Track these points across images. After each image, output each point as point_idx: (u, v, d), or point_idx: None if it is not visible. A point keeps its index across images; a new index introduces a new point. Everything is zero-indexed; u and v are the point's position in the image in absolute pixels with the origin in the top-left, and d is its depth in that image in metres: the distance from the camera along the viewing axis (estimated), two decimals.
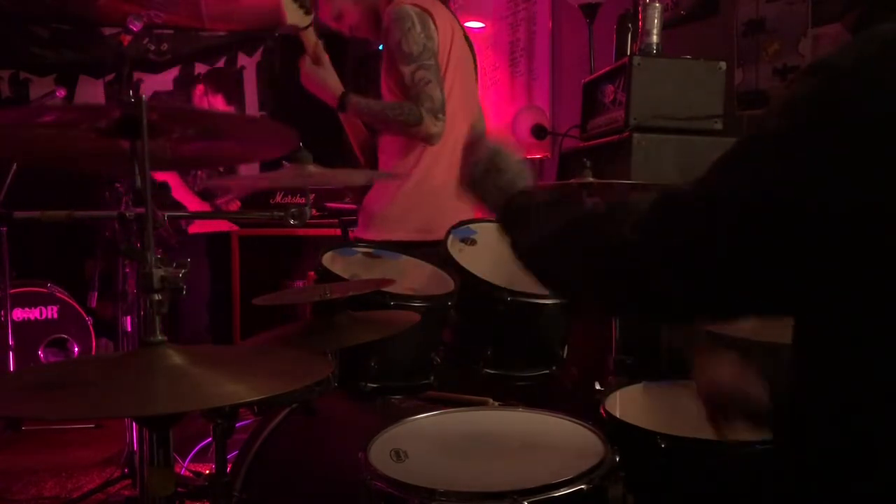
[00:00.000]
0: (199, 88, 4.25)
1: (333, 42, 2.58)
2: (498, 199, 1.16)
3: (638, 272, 0.89)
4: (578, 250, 0.98)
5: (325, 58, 2.44)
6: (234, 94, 4.31)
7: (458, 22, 2.53)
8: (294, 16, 2.41)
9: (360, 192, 2.62)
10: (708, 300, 0.88)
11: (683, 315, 0.96)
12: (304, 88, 2.48)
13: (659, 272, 0.87)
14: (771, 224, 0.78)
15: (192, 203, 3.86)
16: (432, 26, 2.31)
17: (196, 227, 4.04)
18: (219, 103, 4.11)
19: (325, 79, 2.42)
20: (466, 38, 2.54)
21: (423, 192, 2.39)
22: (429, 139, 2.31)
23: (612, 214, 0.95)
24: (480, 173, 1.19)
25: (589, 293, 1.02)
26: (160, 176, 3.78)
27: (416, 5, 2.31)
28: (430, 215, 2.37)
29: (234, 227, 4.22)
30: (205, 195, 3.87)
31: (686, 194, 0.87)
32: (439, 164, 2.39)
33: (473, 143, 1.24)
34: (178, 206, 3.78)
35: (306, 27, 2.44)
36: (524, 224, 1.09)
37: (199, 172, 3.92)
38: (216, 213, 4.30)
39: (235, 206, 3.92)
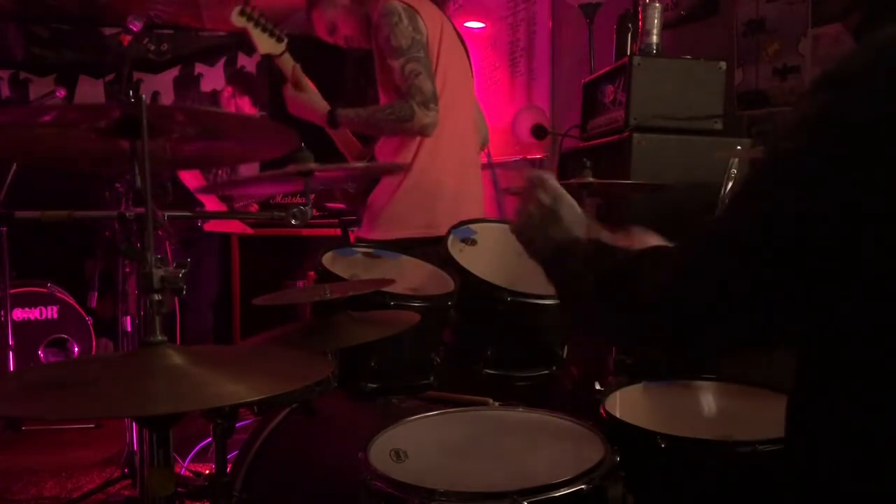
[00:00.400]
0: (227, 91, 4.26)
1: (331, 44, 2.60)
2: (545, 249, 1.11)
3: (680, 313, 0.88)
4: (619, 309, 0.96)
5: (306, 80, 2.49)
6: (260, 96, 4.29)
7: (449, 20, 2.54)
8: (266, 45, 2.46)
9: (357, 195, 2.65)
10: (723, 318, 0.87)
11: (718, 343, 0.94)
12: (294, 116, 2.50)
13: (696, 303, 0.87)
14: (784, 235, 0.79)
15: (211, 202, 3.87)
16: (420, 20, 2.33)
17: (211, 226, 4.05)
18: (245, 106, 4.11)
19: (310, 101, 2.46)
20: (459, 36, 2.55)
21: (423, 187, 2.41)
22: (423, 130, 2.31)
23: (642, 266, 0.93)
24: (537, 221, 1.13)
25: (635, 339, 1.01)
26: (183, 174, 3.83)
27: (402, 1, 2.32)
28: (433, 210, 2.39)
29: (249, 230, 4.22)
30: (223, 196, 3.88)
31: (710, 230, 0.87)
32: (438, 158, 2.41)
33: (532, 187, 1.16)
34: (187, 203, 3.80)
35: (281, 54, 2.49)
36: (567, 279, 1.07)
37: (220, 172, 3.94)
38: (217, 214, 4.30)
39: (254, 208, 3.92)
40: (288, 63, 2.49)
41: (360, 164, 2.51)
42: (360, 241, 2.38)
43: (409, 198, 2.40)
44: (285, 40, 2.48)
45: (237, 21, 2.45)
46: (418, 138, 2.36)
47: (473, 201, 2.52)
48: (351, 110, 2.40)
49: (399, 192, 2.41)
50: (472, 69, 2.61)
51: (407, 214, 2.40)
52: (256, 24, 2.46)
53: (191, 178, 3.84)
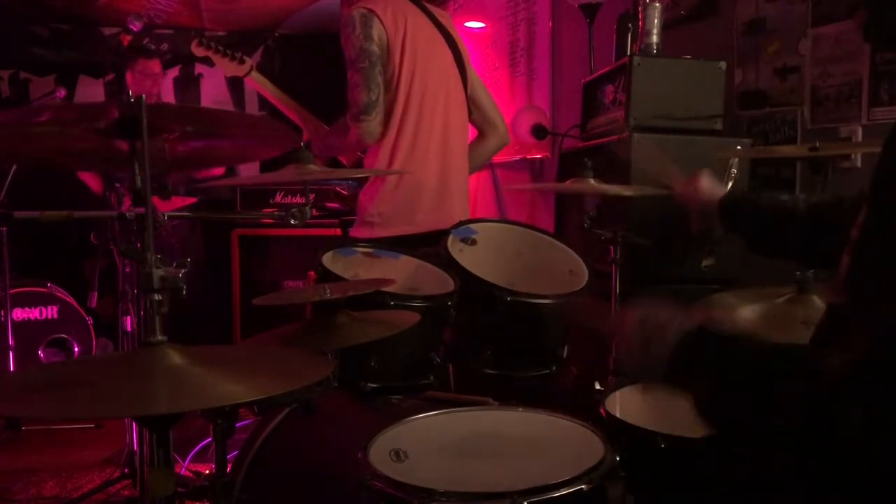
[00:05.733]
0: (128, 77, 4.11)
1: (334, 38, 2.64)
2: (659, 369, 1.04)
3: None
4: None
5: (285, 95, 2.65)
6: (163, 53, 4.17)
7: (431, 16, 2.56)
8: (229, 68, 2.64)
9: (350, 196, 2.72)
10: None
11: None
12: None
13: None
14: None
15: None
16: (376, 25, 2.36)
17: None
18: (155, 67, 4.02)
19: (303, 118, 2.65)
20: (444, 32, 2.56)
21: (404, 187, 2.45)
22: (361, 141, 2.39)
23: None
24: (639, 355, 1.07)
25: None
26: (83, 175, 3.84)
27: (363, 7, 2.37)
28: (415, 209, 2.45)
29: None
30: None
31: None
32: (416, 157, 2.46)
33: (620, 328, 1.10)
34: None
35: (246, 74, 2.65)
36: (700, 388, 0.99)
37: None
38: (216, 213, 4.30)
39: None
40: (259, 80, 2.64)
41: (356, 172, 2.59)
42: (355, 240, 2.41)
43: (392, 198, 2.45)
44: (248, 61, 2.64)
45: (198, 52, 2.66)
46: (392, 139, 2.41)
47: (458, 198, 2.55)
48: (316, 138, 2.57)
49: (382, 192, 2.45)
50: (465, 64, 2.61)
51: (390, 214, 2.44)
52: (216, 52, 2.65)
53: (91, 179, 3.86)
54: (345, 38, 2.36)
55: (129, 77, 3.92)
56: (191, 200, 3.77)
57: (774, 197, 1.60)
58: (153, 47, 4.79)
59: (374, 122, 2.35)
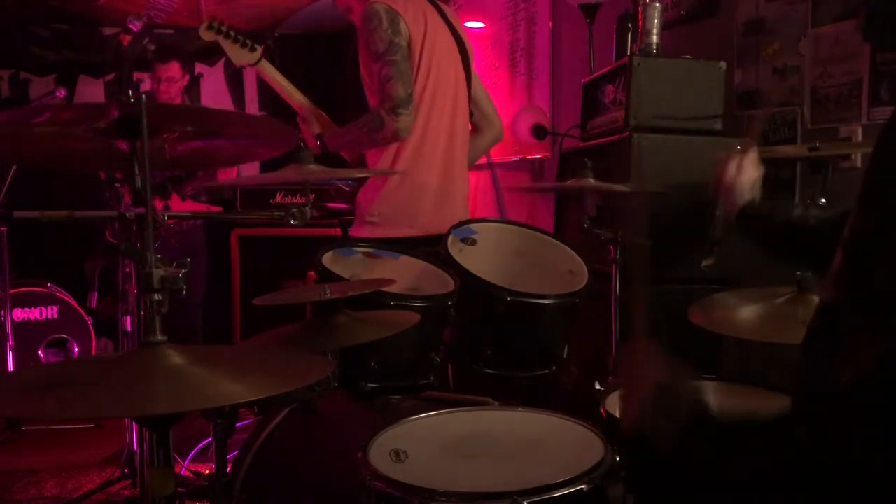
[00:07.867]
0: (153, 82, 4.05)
1: (334, 38, 2.62)
2: (672, 441, 1.00)
3: None
4: None
5: (292, 86, 2.57)
6: (187, 59, 4.08)
7: (444, 16, 2.54)
8: (239, 56, 2.54)
9: (352, 193, 2.69)
10: None
11: None
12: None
13: None
14: None
15: None
16: (401, 22, 2.33)
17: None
18: (174, 71, 3.95)
19: (307, 129, 2.56)
20: (455, 34, 2.55)
21: (407, 188, 2.43)
22: (395, 136, 2.34)
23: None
24: (650, 420, 1.02)
25: None
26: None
27: (385, 3, 2.33)
28: (416, 211, 2.42)
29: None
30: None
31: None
32: (422, 159, 2.44)
33: (632, 384, 1.06)
34: None
35: (256, 62, 2.54)
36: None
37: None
38: (216, 214, 4.30)
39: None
40: (269, 70, 2.54)
41: (355, 171, 2.57)
42: (354, 240, 2.40)
43: (394, 198, 2.43)
44: (259, 49, 2.52)
45: (206, 35, 2.52)
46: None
47: (458, 201, 2.54)
48: (334, 133, 2.49)
49: (383, 192, 2.43)
50: (471, 66, 2.61)
51: (391, 215, 2.42)
52: (227, 37, 2.53)
53: None
54: (370, 32, 2.31)
55: (150, 85, 3.90)
56: (216, 209, 3.75)
57: (787, 211, 1.61)
58: (151, 48, 4.77)
59: (410, 117, 2.31)
